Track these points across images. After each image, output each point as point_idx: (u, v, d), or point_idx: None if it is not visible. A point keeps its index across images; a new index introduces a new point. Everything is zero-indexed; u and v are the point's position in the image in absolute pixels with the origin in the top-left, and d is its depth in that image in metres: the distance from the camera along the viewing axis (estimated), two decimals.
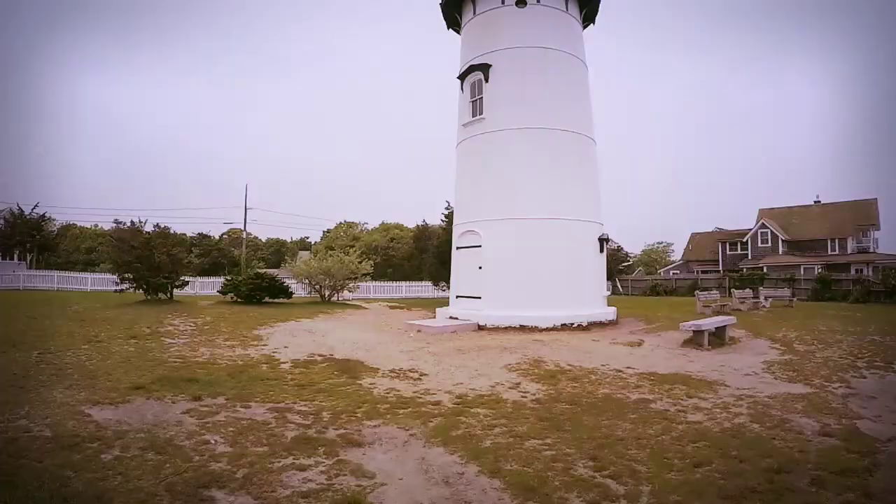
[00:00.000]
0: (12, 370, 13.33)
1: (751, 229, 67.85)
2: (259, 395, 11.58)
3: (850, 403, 11.29)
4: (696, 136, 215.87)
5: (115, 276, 33.37)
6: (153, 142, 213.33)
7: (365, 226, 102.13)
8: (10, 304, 29.90)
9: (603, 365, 15.50)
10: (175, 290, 33.14)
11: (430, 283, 48.27)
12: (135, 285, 31.81)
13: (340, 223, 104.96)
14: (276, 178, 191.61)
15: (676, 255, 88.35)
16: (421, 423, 9.85)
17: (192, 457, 7.86)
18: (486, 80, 26.16)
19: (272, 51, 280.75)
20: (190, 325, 21.86)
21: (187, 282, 34.92)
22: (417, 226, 60.68)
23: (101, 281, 47.26)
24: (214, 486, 6.87)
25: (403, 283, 53.25)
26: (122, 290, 32.74)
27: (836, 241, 62.16)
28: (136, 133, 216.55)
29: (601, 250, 26.56)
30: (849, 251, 61.02)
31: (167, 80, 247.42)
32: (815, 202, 68.99)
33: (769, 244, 65.77)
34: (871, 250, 61.17)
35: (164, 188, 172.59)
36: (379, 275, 56.36)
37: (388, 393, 12.23)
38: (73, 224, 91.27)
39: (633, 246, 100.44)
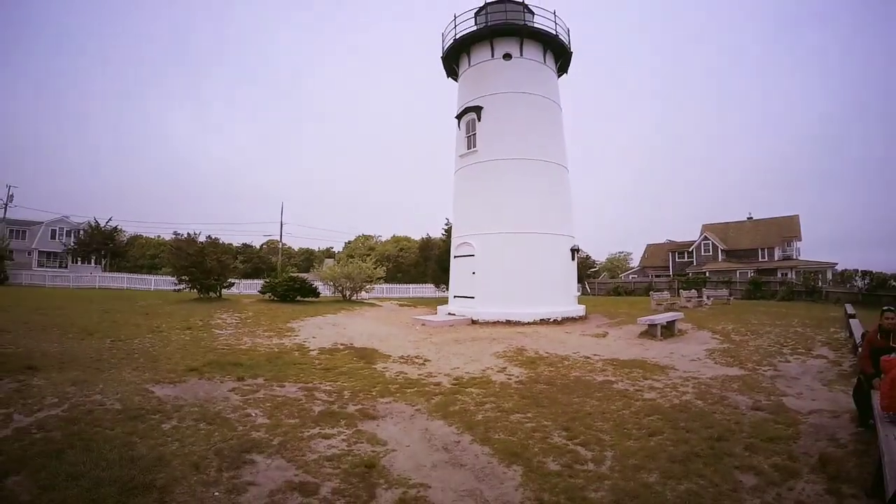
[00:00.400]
0: (89, 355, 13.31)
1: (695, 241, 68.02)
2: (292, 377, 11.57)
3: (777, 383, 11.29)
4: (650, 163, 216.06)
5: (174, 278, 33.34)
6: (206, 167, 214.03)
7: (379, 238, 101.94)
8: (88, 300, 29.85)
9: (574, 352, 15.49)
10: (223, 290, 33.03)
11: (432, 286, 48.31)
12: (190, 286, 31.75)
13: (359, 236, 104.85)
14: (307, 199, 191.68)
15: (635, 262, 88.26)
16: (424, 401, 9.87)
17: (237, 427, 7.87)
18: (479, 119, 26.23)
19: (307, 99, 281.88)
20: (235, 319, 21.81)
21: (233, 283, 34.82)
22: (422, 238, 60.72)
23: (162, 282, 47.18)
24: (255, 451, 6.88)
25: (410, 286, 53.16)
26: (179, 290, 32.72)
27: (766, 250, 62.26)
28: (190, 160, 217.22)
29: (573, 258, 26.55)
30: (776, 258, 61.15)
31: (222, 117, 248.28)
32: (748, 218, 69.04)
33: (710, 253, 65.89)
34: (795, 258, 61.28)
35: (215, 206, 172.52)
36: (390, 278, 56.28)
37: (397, 375, 12.23)
38: (140, 235, 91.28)
39: (599, 254, 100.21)
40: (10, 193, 63.30)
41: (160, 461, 6.39)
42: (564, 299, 25.62)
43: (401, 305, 34.70)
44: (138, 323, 19.63)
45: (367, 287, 38.20)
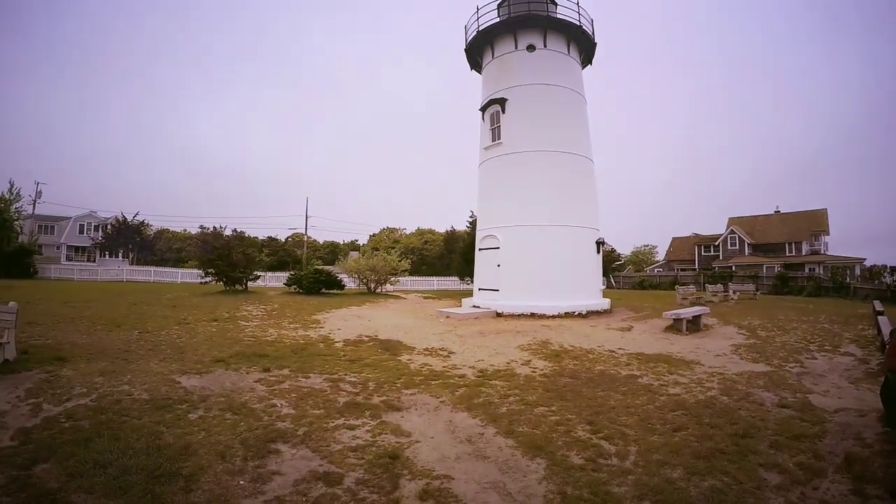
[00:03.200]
0: (117, 346, 13.47)
1: (721, 234, 67.38)
2: (317, 368, 11.63)
3: (803, 380, 11.17)
4: (677, 155, 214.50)
5: (200, 271, 33.71)
6: (232, 162, 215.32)
7: (403, 230, 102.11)
8: (116, 293, 30.21)
9: (599, 346, 15.41)
10: (248, 283, 33.33)
11: (456, 278, 48.32)
12: (216, 278, 32.07)
13: (384, 228, 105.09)
14: (331, 192, 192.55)
15: (660, 255, 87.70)
16: (449, 393, 9.87)
17: (262, 417, 7.95)
18: (503, 111, 26.11)
19: (330, 89, 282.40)
20: (261, 311, 21.97)
21: (259, 276, 35.09)
22: (447, 231, 60.87)
23: (188, 275, 47.44)
24: (280, 441, 6.95)
25: (434, 278, 53.19)
26: (206, 282, 33.08)
27: (793, 244, 61.64)
28: (218, 156, 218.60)
29: (598, 251, 26.40)
30: (803, 253, 60.50)
31: (244, 113, 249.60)
32: (775, 211, 68.36)
33: (737, 247, 65.28)
34: (822, 252, 60.58)
35: (241, 200, 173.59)
36: (414, 271, 56.37)
37: (422, 367, 12.23)
38: (167, 229, 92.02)
39: (624, 248, 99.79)
40: (39, 189, 64.07)
41: (186, 450, 6.49)
42: (589, 293, 25.50)
43: (425, 298, 34.77)
44: (165, 315, 19.82)
45: (392, 279, 38.33)
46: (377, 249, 52.53)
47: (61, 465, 5.78)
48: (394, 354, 13.79)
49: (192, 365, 11.34)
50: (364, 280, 36.18)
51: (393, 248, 48.18)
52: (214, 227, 34.43)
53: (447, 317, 22.74)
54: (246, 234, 36.43)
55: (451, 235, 56.66)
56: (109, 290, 32.67)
